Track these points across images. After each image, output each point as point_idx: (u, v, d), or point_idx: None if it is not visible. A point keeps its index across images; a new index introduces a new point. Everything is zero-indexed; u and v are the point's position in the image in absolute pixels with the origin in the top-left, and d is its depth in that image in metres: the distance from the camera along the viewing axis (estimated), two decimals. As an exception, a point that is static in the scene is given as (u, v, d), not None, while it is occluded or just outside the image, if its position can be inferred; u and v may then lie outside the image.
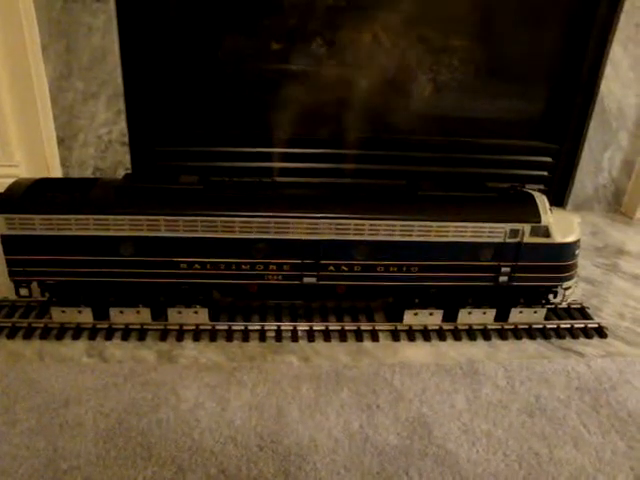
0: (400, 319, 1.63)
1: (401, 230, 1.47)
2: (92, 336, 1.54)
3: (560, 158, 2.51)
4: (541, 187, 2.51)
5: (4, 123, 2.11)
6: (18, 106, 2.11)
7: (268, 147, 2.32)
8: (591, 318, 1.74)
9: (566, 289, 1.64)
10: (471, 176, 2.46)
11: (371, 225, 1.45)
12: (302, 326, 1.61)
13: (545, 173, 2.54)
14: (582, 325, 1.70)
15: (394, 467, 1.20)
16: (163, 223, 1.42)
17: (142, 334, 1.56)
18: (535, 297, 1.66)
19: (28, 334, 1.54)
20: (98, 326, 1.56)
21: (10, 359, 1.46)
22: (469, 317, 1.64)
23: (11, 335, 1.54)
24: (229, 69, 2.28)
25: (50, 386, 1.37)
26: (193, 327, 1.58)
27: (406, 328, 1.63)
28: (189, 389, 1.38)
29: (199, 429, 1.26)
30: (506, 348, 1.61)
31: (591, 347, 1.64)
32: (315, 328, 1.61)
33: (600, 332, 1.69)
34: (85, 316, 1.56)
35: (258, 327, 1.60)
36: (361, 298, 1.71)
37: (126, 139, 2.25)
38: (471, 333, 1.64)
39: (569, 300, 1.74)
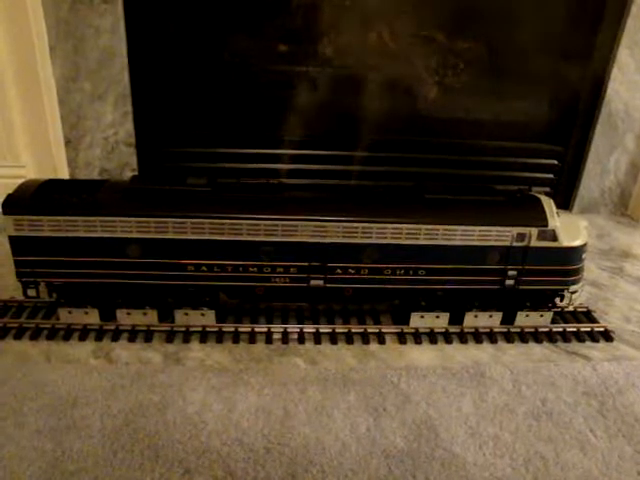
0: (406, 322, 1.63)
1: (408, 233, 1.47)
2: (99, 337, 1.55)
3: (566, 161, 2.51)
4: (547, 190, 2.51)
5: (12, 124, 2.12)
6: (25, 107, 2.11)
7: (275, 149, 2.32)
8: (597, 321, 1.74)
9: (572, 292, 1.64)
10: (477, 178, 2.46)
11: (378, 228, 1.46)
12: (309, 328, 1.61)
13: (551, 176, 2.53)
14: (588, 328, 1.69)
15: (401, 470, 1.20)
16: (170, 225, 1.43)
17: (149, 335, 1.56)
18: (541, 300, 1.66)
19: (35, 335, 1.54)
20: (105, 327, 1.56)
21: (17, 360, 1.46)
22: (475, 320, 1.64)
23: (18, 336, 1.54)
24: (236, 70, 2.28)
25: (57, 387, 1.37)
26: (200, 329, 1.58)
27: (412, 331, 1.63)
28: (196, 391, 1.38)
29: (206, 431, 1.26)
30: (512, 351, 1.61)
31: (597, 351, 1.64)
32: (322, 330, 1.61)
33: (606, 336, 1.69)
34: (92, 317, 1.56)
35: (265, 329, 1.60)
36: (368, 301, 1.71)
37: (133, 140, 2.25)
38: (477, 336, 1.64)
39: (575, 303, 1.74)
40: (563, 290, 1.63)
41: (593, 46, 2.30)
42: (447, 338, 1.63)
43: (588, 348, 1.65)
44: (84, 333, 1.55)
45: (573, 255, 1.56)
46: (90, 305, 1.55)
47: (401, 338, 1.61)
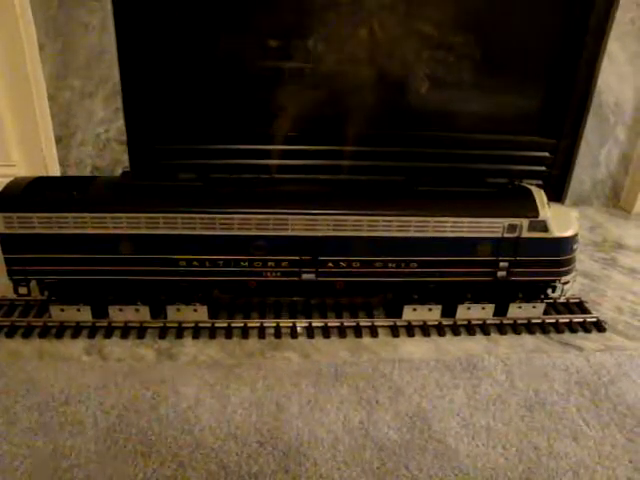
0: (399, 315, 1.63)
1: (399, 226, 1.47)
2: (91, 334, 1.54)
3: (558, 153, 2.51)
4: (539, 182, 2.51)
5: (1, 122, 2.11)
6: (16, 105, 2.10)
7: (267, 144, 2.32)
8: (590, 312, 1.74)
9: (564, 284, 1.65)
10: (469, 172, 2.46)
11: (369, 221, 1.46)
12: (301, 323, 1.61)
13: (543, 168, 2.53)
14: (581, 319, 1.70)
15: (394, 462, 1.20)
16: (162, 220, 1.42)
17: (141, 332, 1.56)
18: (534, 292, 1.66)
19: (27, 333, 1.54)
20: (97, 324, 1.56)
21: (9, 358, 1.46)
22: (468, 312, 1.64)
23: (10, 334, 1.54)
24: (227, 66, 2.27)
25: (49, 385, 1.37)
26: (192, 325, 1.58)
27: (405, 324, 1.63)
28: (189, 386, 1.38)
29: (199, 426, 1.26)
30: (505, 343, 1.61)
31: (590, 341, 1.64)
32: (314, 324, 1.61)
33: (599, 326, 1.69)
34: (84, 314, 1.56)
35: (257, 324, 1.60)
36: (360, 294, 1.70)
37: (124, 137, 2.24)
38: (470, 328, 1.64)
39: (568, 295, 1.74)
40: (555, 281, 1.64)
41: (583, 37, 2.30)
42: (440, 330, 1.63)
43: (580, 339, 1.65)
44: (76, 330, 1.55)
45: (564, 246, 1.56)
46: (82, 302, 1.55)
47: (394, 331, 1.62)
